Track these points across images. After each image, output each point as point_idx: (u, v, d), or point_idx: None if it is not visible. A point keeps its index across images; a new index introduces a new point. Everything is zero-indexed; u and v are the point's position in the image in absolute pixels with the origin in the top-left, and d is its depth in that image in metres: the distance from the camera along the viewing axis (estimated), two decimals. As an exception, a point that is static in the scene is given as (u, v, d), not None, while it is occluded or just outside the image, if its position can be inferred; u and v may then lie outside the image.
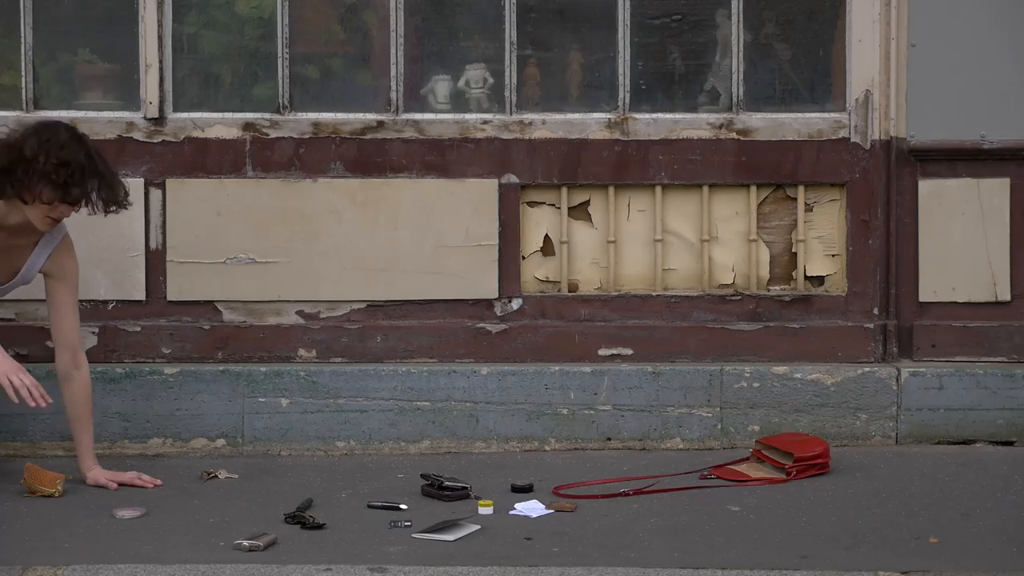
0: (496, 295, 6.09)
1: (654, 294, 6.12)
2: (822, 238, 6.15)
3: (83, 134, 5.30)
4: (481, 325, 6.09)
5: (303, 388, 5.93)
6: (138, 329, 5.96)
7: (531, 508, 5.11)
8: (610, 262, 6.13)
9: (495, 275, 6.08)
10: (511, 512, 5.09)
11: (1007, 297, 6.12)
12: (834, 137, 6.09)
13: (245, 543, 4.65)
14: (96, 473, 5.40)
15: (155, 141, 6.03)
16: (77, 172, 5.13)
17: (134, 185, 6.00)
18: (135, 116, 6.04)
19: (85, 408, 5.43)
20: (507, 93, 6.08)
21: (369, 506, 5.13)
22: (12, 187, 5.15)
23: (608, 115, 6.09)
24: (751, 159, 6.09)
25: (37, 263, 5.41)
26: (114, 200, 5.24)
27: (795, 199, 6.14)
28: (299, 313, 6.05)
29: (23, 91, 6.03)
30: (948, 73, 6.04)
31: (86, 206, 5.23)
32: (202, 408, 5.85)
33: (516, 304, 6.10)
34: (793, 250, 6.16)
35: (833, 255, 6.16)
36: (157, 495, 5.29)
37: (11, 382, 5.10)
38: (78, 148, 5.18)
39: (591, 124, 6.08)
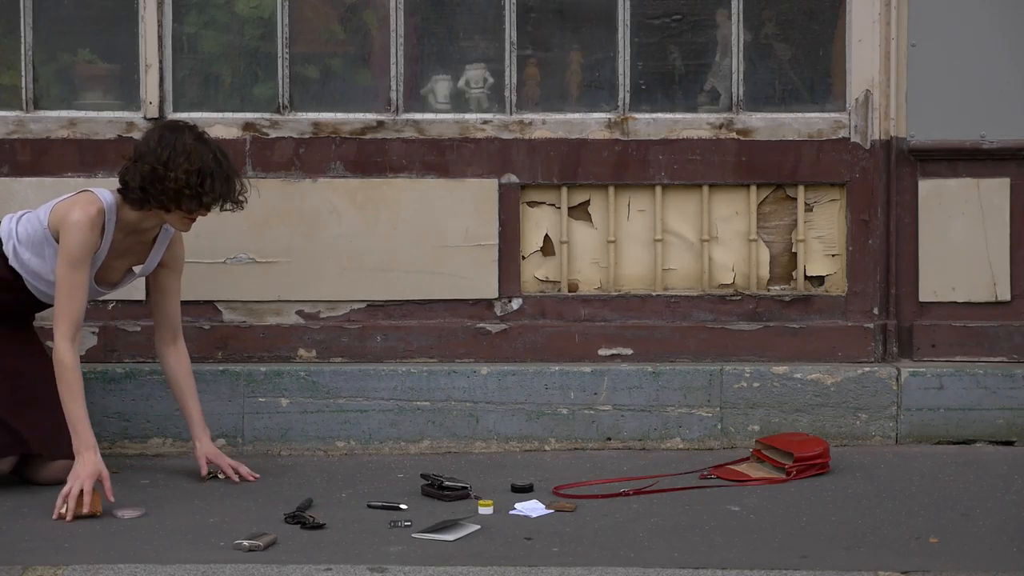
0: (496, 295, 6.09)
1: (654, 294, 6.12)
2: (822, 238, 6.16)
3: (205, 133, 5.30)
4: (481, 325, 6.09)
5: (303, 388, 5.93)
6: (138, 329, 5.96)
7: (531, 508, 5.11)
8: (610, 262, 6.13)
9: (495, 275, 6.08)
10: (511, 512, 5.09)
11: (1007, 297, 6.12)
12: (834, 137, 6.09)
13: (245, 543, 4.65)
14: (205, 446, 5.50)
15: (155, 141, 6.02)
16: (209, 179, 5.18)
17: (134, 185, 6.01)
18: (135, 116, 6.04)
19: (190, 380, 5.52)
20: (507, 93, 6.09)
21: (369, 506, 5.13)
22: (152, 200, 5.20)
23: (608, 115, 6.09)
24: (751, 159, 6.09)
25: (156, 258, 5.45)
26: (238, 199, 5.32)
27: (795, 199, 6.14)
28: (299, 313, 6.05)
29: (23, 91, 6.03)
30: (948, 73, 6.04)
31: (220, 209, 5.30)
32: (202, 408, 5.84)
33: (516, 304, 6.10)
34: (793, 250, 6.16)
35: (833, 255, 6.16)
36: (157, 495, 5.29)
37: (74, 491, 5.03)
38: (207, 152, 5.21)
39: (591, 124, 6.08)
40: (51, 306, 5.30)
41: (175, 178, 5.13)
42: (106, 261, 5.31)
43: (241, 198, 5.30)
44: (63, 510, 4.95)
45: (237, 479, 5.44)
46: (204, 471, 5.47)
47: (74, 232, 5.17)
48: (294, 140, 6.05)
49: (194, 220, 5.29)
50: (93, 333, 5.97)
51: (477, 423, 5.97)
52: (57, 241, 5.22)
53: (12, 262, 5.31)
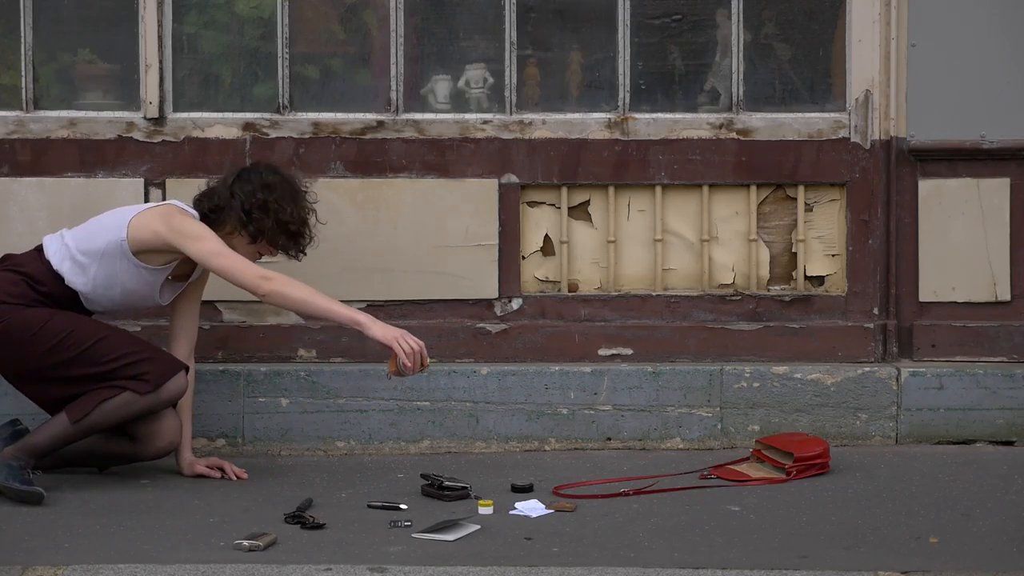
0: (496, 295, 6.09)
1: (654, 294, 6.12)
2: (822, 238, 6.16)
3: (292, 179, 5.48)
4: (481, 325, 6.09)
5: (303, 388, 5.93)
6: (138, 329, 5.96)
7: (531, 508, 5.11)
8: (610, 262, 6.13)
9: (495, 275, 6.08)
10: (511, 512, 5.09)
11: (1007, 297, 6.12)
12: (834, 137, 6.09)
13: (245, 543, 4.65)
14: (192, 461, 5.55)
15: (155, 141, 6.03)
16: (294, 226, 5.41)
17: (134, 185, 6.01)
18: (135, 116, 6.04)
19: (189, 405, 5.58)
20: (507, 93, 6.09)
21: (369, 506, 5.13)
22: (252, 225, 5.38)
23: (608, 115, 6.09)
24: (751, 159, 6.09)
25: (200, 270, 5.54)
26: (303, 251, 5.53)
27: (795, 199, 6.14)
28: (299, 313, 6.05)
29: (23, 91, 6.03)
30: (948, 73, 6.04)
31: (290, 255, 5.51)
32: (202, 408, 5.84)
33: (516, 304, 6.10)
34: (793, 250, 6.16)
35: (833, 255, 6.16)
36: (157, 495, 5.29)
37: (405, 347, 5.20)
38: (292, 201, 5.42)
39: (591, 124, 6.08)
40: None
41: (291, 212, 5.36)
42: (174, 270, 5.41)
43: (308, 244, 5.52)
44: (406, 364, 5.13)
45: (219, 475, 5.49)
46: (217, 474, 5.51)
47: (191, 224, 5.29)
48: (294, 140, 6.05)
49: (260, 256, 5.45)
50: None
51: (477, 423, 5.97)
52: (134, 254, 5.28)
53: (69, 282, 5.33)
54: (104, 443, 5.40)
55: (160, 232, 5.26)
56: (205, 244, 5.25)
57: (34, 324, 5.27)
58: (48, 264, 5.34)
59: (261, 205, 5.36)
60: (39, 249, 5.39)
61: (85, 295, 5.35)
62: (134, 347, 5.34)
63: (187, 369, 5.39)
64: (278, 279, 5.21)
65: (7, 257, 5.45)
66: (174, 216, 5.30)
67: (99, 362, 5.28)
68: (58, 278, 5.33)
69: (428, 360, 5.22)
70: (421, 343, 5.18)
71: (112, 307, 5.44)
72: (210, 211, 5.39)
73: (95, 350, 5.28)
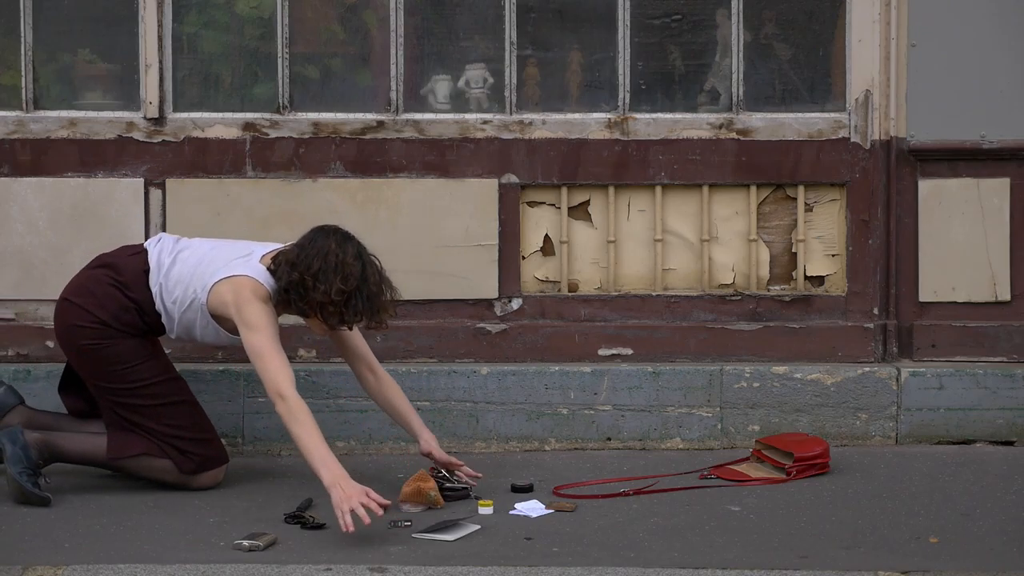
0: (496, 295, 6.09)
1: (654, 294, 6.12)
2: (822, 238, 6.16)
3: (362, 246, 5.22)
4: (481, 325, 6.09)
5: (303, 388, 5.89)
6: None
7: (531, 508, 5.11)
8: (610, 262, 6.13)
9: (495, 275, 6.08)
10: (511, 512, 5.09)
11: (1007, 297, 6.12)
12: (834, 137, 6.09)
13: (245, 543, 4.65)
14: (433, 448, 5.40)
15: (155, 141, 6.03)
16: (354, 300, 5.14)
17: (134, 185, 6.01)
18: (135, 116, 6.04)
19: (399, 398, 5.44)
20: (507, 93, 6.09)
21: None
22: (294, 306, 5.18)
23: (608, 115, 6.09)
24: (751, 159, 6.09)
25: None
26: (380, 321, 5.24)
27: (795, 199, 6.14)
28: (299, 313, 6.04)
29: (23, 91, 6.03)
30: (948, 73, 6.04)
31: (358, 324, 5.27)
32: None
33: (516, 304, 6.10)
34: (793, 250, 6.16)
35: (833, 255, 6.16)
36: (157, 495, 5.29)
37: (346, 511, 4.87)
38: (358, 271, 5.15)
39: (591, 124, 6.08)
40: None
41: (323, 291, 5.10)
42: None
43: (385, 319, 5.23)
44: (347, 520, 4.74)
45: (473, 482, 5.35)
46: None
47: (252, 310, 5.12)
48: (294, 140, 6.05)
49: (333, 329, 5.25)
50: (93, 333, 5.97)
51: (477, 423, 5.97)
52: (213, 317, 5.24)
53: (159, 306, 5.30)
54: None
55: (230, 310, 5.18)
56: (252, 337, 5.09)
57: (129, 360, 5.27)
58: (151, 295, 5.30)
59: (299, 285, 5.13)
60: (146, 271, 5.31)
61: (165, 322, 5.33)
62: (197, 425, 5.36)
63: (226, 461, 5.43)
64: (288, 405, 4.98)
65: (115, 268, 5.36)
66: (242, 293, 5.15)
67: (161, 420, 5.29)
68: (151, 298, 5.31)
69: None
70: (362, 504, 4.77)
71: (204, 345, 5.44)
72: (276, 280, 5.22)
73: (166, 409, 5.30)
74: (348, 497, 4.75)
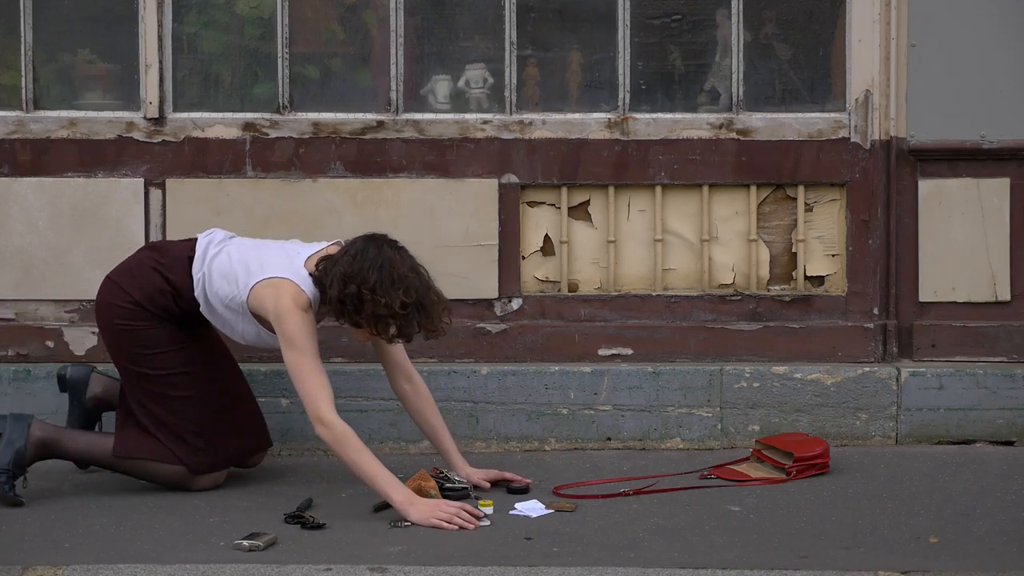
0: (496, 295, 6.09)
1: (654, 294, 6.12)
2: (822, 238, 6.16)
3: (413, 257, 5.17)
4: (481, 325, 6.09)
5: (303, 388, 5.92)
6: (139, 329, 5.95)
7: (531, 508, 5.11)
8: (610, 262, 6.13)
9: (495, 275, 6.08)
10: (511, 512, 5.09)
11: (1007, 297, 6.12)
12: (834, 137, 6.09)
13: (245, 543, 4.65)
14: (469, 471, 5.39)
15: (155, 141, 6.03)
16: (414, 312, 5.07)
17: (134, 185, 6.02)
18: (135, 116, 6.04)
19: (433, 415, 5.43)
20: (507, 93, 6.09)
21: (372, 507, 5.13)
22: (347, 317, 5.11)
23: (608, 115, 6.09)
24: (751, 159, 6.09)
25: None
26: (436, 329, 5.17)
27: (795, 199, 6.14)
28: (299, 313, 6.04)
29: (23, 91, 6.03)
30: (948, 73, 6.04)
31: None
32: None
33: (516, 304, 6.10)
34: (793, 250, 6.16)
35: (833, 255, 6.16)
36: (157, 495, 5.29)
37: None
38: (417, 283, 5.09)
39: (591, 124, 6.08)
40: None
41: (385, 304, 5.02)
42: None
43: (442, 328, 5.17)
44: (458, 521, 4.86)
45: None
46: (487, 485, 5.36)
47: (292, 323, 5.07)
48: (294, 140, 6.05)
49: (389, 341, 5.19)
50: (93, 333, 5.96)
51: (477, 423, 5.97)
52: (256, 317, 5.21)
53: (198, 293, 5.27)
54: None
55: (270, 316, 5.15)
56: (291, 356, 5.06)
57: (158, 346, 5.26)
58: (191, 283, 5.27)
59: (356, 298, 5.05)
60: (191, 258, 5.29)
61: (209, 317, 5.32)
62: (214, 424, 5.32)
63: (230, 465, 5.43)
64: (334, 432, 4.99)
65: (160, 251, 5.35)
66: (283, 301, 5.09)
67: (176, 413, 5.28)
68: (195, 302, 5.29)
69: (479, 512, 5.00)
70: (456, 506, 4.93)
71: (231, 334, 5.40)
72: (319, 288, 5.15)
73: (185, 402, 5.28)
74: (437, 507, 4.90)
